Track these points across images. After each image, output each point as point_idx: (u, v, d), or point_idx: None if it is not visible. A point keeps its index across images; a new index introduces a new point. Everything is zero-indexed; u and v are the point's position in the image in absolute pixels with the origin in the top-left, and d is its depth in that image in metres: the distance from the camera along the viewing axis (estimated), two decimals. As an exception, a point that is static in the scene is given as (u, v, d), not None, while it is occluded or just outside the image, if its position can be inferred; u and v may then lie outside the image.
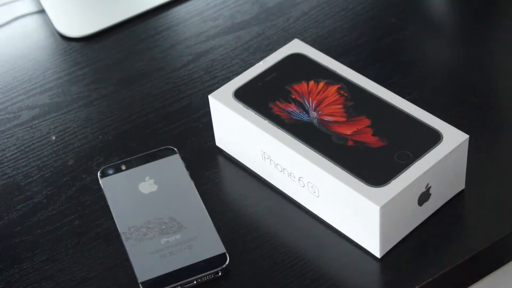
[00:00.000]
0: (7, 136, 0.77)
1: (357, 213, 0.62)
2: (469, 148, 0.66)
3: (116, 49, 0.85)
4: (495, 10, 0.86)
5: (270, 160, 0.67)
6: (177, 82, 0.81)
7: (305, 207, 0.68)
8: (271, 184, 0.70)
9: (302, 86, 0.69)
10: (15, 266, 0.66)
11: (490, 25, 0.85)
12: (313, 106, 0.67)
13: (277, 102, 0.68)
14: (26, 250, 0.67)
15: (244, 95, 0.69)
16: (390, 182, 0.62)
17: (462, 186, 0.68)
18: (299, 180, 0.66)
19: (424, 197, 0.64)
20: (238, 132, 0.69)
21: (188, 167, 0.71)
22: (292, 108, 0.68)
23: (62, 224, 0.69)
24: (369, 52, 0.81)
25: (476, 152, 0.69)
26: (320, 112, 0.67)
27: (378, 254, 0.64)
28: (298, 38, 0.84)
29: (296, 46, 0.73)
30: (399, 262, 0.64)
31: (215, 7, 0.88)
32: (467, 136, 0.65)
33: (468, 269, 0.65)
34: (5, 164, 0.75)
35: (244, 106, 0.68)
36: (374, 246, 0.63)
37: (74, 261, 0.66)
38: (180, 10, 0.88)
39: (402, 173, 0.62)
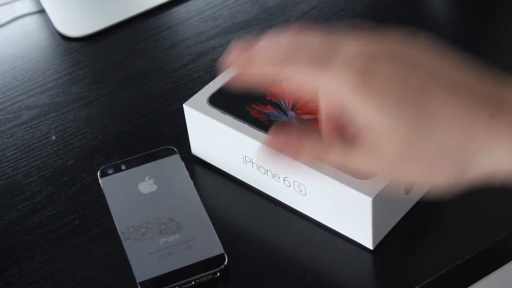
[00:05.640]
0: (7, 136, 0.77)
1: (347, 207, 0.63)
2: None
3: (116, 49, 0.85)
4: (496, 9, 0.86)
5: (252, 163, 0.67)
6: (177, 82, 0.81)
7: (291, 207, 0.68)
8: (253, 187, 0.70)
9: (276, 88, 0.69)
10: (15, 266, 0.66)
11: (491, 25, 0.85)
12: (290, 106, 0.68)
13: (254, 105, 0.68)
14: (26, 250, 0.68)
15: (219, 101, 0.69)
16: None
17: None
18: (284, 180, 0.66)
19: (409, 186, 0.65)
20: (217, 138, 0.69)
21: (188, 167, 0.71)
22: (270, 109, 0.68)
23: (62, 224, 0.69)
24: (369, 52, 0.81)
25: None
26: (298, 112, 0.67)
27: (370, 246, 0.64)
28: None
29: None
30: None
31: (215, 7, 0.88)
32: None
33: (468, 269, 0.65)
34: (5, 164, 0.75)
35: (221, 111, 0.68)
36: (367, 238, 0.64)
37: (74, 261, 0.66)
38: (180, 10, 0.88)
39: None
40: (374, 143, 0.49)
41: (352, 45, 0.50)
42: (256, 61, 0.53)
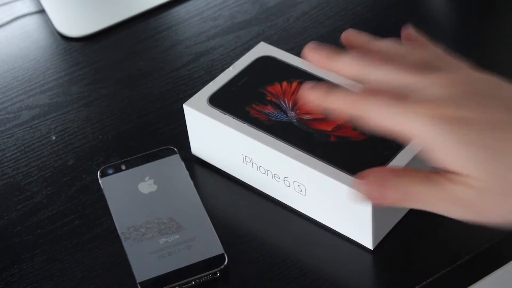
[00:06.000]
0: (7, 136, 0.77)
1: (347, 207, 0.63)
2: None
3: (116, 49, 0.85)
4: (496, 10, 0.86)
5: (252, 163, 0.67)
6: (177, 82, 0.81)
7: (291, 207, 0.68)
8: (253, 187, 0.70)
9: (275, 88, 0.69)
10: (15, 266, 0.66)
11: (490, 25, 0.85)
12: (290, 106, 0.68)
13: (254, 105, 0.68)
14: (26, 250, 0.68)
15: (219, 101, 0.69)
16: None
17: None
18: (284, 180, 0.66)
19: None
20: (217, 138, 0.69)
21: (188, 167, 0.71)
22: (270, 109, 0.68)
23: (62, 224, 0.69)
24: (369, 52, 0.81)
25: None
26: (298, 111, 0.67)
27: (370, 246, 0.64)
28: (298, 38, 0.84)
29: (263, 49, 0.73)
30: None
31: (215, 7, 0.88)
32: None
33: (468, 269, 0.65)
34: (5, 164, 0.75)
35: (221, 111, 0.68)
36: (367, 238, 0.64)
37: (74, 261, 0.67)
38: (180, 10, 0.88)
39: (389, 163, 0.63)
40: (469, 193, 0.51)
41: (434, 84, 0.52)
42: (335, 95, 0.55)
